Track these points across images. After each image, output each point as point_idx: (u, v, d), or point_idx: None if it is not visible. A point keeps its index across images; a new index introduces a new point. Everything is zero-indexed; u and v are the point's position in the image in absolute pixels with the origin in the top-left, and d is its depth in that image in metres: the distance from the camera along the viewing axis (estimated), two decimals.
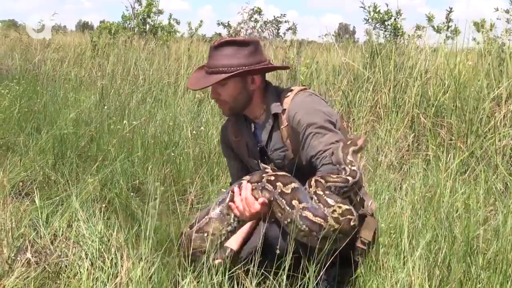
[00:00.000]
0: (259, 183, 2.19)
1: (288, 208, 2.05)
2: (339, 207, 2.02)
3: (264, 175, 2.20)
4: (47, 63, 8.28)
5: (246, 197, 2.17)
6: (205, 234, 2.22)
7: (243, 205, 2.18)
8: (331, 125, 2.29)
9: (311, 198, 2.09)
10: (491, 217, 3.10)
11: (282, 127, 2.37)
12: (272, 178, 2.16)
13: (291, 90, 2.42)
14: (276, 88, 2.51)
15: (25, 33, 10.73)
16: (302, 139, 2.27)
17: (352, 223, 1.99)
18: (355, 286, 2.23)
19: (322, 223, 1.96)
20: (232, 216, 2.21)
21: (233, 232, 2.24)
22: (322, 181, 2.11)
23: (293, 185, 2.11)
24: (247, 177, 2.26)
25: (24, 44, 9.96)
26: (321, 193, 2.08)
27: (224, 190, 2.34)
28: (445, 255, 2.41)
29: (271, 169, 2.26)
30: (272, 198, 2.13)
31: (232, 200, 2.22)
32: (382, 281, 2.19)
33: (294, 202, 2.04)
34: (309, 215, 1.99)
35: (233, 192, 2.23)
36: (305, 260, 2.04)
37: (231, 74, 2.32)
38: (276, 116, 2.40)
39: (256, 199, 2.17)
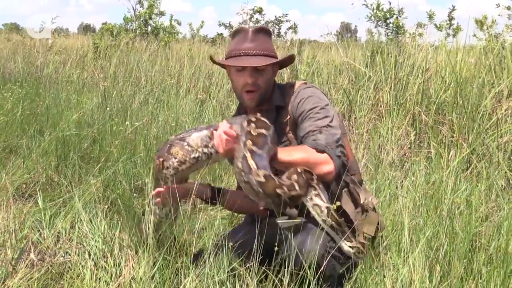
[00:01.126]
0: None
1: (241, 145, 2.08)
2: (292, 183, 2.03)
3: (251, 115, 2.22)
4: (49, 65, 8.31)
5: (220, 134, 2.18)
6: (185, 143, 2.29)
7: (219, 140, 2.19)
8: (326, 112, 2.30)
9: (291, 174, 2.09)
10: (493, 214, 3.11)
11: (284, 120, 2.39)
12: (253, 119, 2.18)
13: (293, 85, 2.45)
14: (278, 84, 2.53)
15: (27, 36, 10.78)
16: (299, 124, 2.31)
17: (278, 190, 1.98)
18: (356, 283, 2.24)
19: (253, 169, 1.98)
20: (212, 143, 2.27)
21: (208, 156, 2.28)
22: (313, 176, 2.11)
23: (263, 131, 2.12)
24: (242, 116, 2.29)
25: (26, 47, 9.99)
26: (297, 176, 2.07)
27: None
28: (446, 252, 2.42)
29: (260, 115, 2.25)
30: (240, 133, 2.15)
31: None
32: (383, 277, 2.20)
33: (248, 143, 2.06)
34: (249, 157, 2.01)
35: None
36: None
37: (283, 59, 2.42)
38: (279, 109, 2.42)
39: None
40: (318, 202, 2.10)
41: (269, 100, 2.43)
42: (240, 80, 2.37)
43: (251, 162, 2.00)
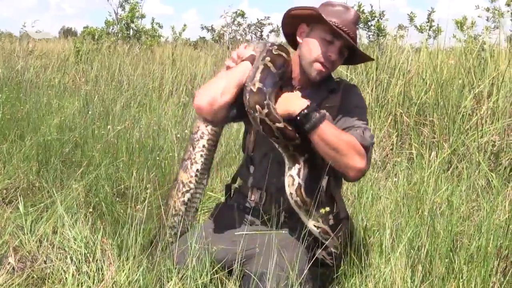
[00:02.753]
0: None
1: (260, 58, 2.15)
2: (279, 118, 2.06)
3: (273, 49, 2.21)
4: (30, 70, 8.22)
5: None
6: None
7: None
8: (366, 116, 2.31)
9: None
10: (474, 213, 3.14)
11: (332, 105, 2.27)
12: (276, 45, 2.23)
13: (345, 81, 2.43)
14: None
15: (7, 40, 10.70)
16: (343, 112, 2.25)
17: (257, 106, 2.03)
18: (338, 283, 2.25)
19: (255, 79, 2.06)
20: None
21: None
22: (305, 154, 2.13)
23: (283, 53, 2.19)
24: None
25: (6, 52, 9.89)
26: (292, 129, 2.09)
27: None
28: (428, 251, 2.44)
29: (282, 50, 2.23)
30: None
31: None
32: (365, 278, 2.21)
33: (267, 59, 2.13)
34: (260, 69, 2.08)
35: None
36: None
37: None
38: (330, 93, 2.30)
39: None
40: (293, 174, 2.11)
41: (323, 82, 2.29)
42: (322, 50, 2.18)
43: (258, 74, 2.07)
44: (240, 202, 2.43)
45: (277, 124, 2.04)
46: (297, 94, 2.14)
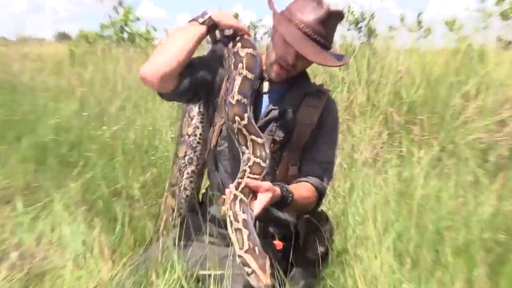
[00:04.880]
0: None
1: (232, 65, 2.05)
2: (260, 134, 2.00)
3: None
4: (25, 73, 8.25)
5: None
6: None
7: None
8: (338, 138, 2.29)
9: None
10: (461, 208, 3.21)
11: (307, 122, 2.15)
12: (238, 37, 2.09)
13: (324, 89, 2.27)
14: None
15: (2, 44, 10.73)
16: (318, 134, 2.17)
17: (236, 117, 1.95)
18: (327, 275, 2.31)
19: (234, 91, 1.97)
20: None
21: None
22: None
23: (251, 51, 2.06)
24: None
25: (1, 55, 9.91)
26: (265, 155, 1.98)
27: None
28: (416, 244, 2.49)
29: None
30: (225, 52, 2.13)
31: None
32: (352, 270, 2.27)
33: (240, 65, 2.02)
34: (237, 82, 1.99)
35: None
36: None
37: (341, 64, 2.06)
38: (305, 96, 2.16)
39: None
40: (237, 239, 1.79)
41: (296, 80, 2.16)
42: (281, 51, 2.03)
43: (236, 87, 1.97)
44: (208, 210, 2.28)
45: (252, 137, 1.95)
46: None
